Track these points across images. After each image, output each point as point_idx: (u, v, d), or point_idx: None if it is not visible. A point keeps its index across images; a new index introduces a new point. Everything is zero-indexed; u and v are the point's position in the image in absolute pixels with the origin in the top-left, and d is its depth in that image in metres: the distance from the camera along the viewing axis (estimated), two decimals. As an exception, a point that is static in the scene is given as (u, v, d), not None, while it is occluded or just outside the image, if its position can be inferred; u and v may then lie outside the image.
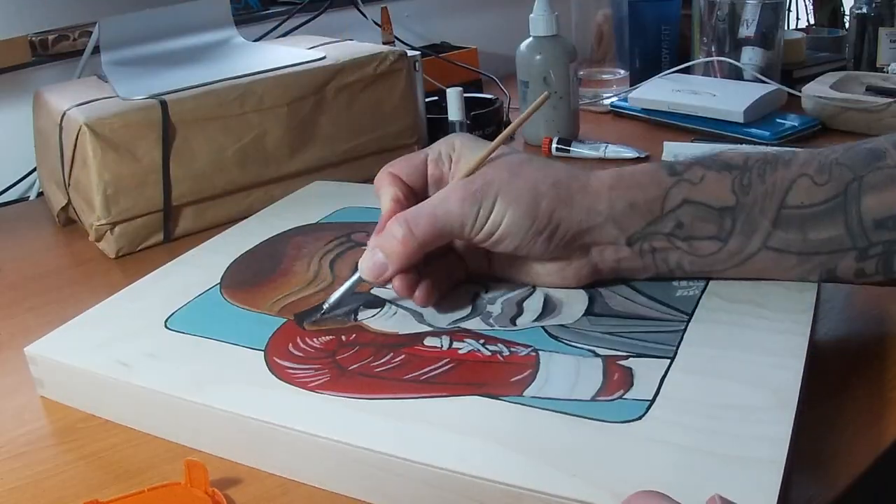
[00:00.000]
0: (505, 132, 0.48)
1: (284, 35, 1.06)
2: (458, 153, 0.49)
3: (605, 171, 0.46)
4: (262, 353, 0.45)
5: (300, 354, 0.44)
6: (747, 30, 0.94)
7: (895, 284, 0.45)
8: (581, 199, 0.45)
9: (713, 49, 0.97)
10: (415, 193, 0.49)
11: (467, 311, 0.47)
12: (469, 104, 0.87)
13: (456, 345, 0.44)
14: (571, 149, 0.84)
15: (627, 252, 0.46)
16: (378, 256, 0.45)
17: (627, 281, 0.48)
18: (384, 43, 1.09)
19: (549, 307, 0.47)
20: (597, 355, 0.42)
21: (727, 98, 0.87)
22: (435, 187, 0.49)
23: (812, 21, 1.39)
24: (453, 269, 0.50)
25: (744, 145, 0.79)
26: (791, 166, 0.44)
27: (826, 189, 0.43)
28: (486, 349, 0.43)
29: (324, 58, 0.79)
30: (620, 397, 0.38)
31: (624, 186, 0.45)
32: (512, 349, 0.43)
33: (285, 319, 0.48)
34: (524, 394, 0.39)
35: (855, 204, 0.43)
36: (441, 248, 0.47)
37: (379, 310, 0.48)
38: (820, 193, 0.43)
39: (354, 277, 0.48)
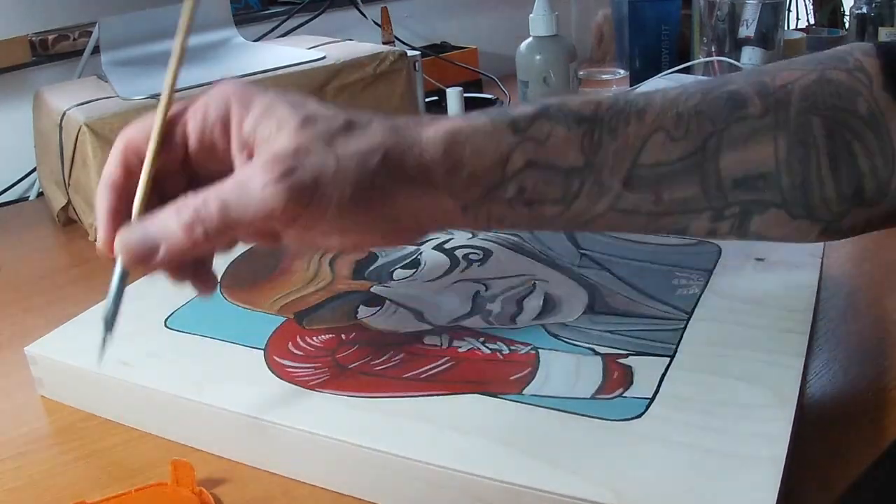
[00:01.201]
0: (175, 60, 0.39)
1: (284, 35, 1.06)
2: (239, 112, 0.37)
3: (438, 126, 0.37)
4: (262, 351, 0.45)
5: (300, 353, 0.44)
6: (747, 30, 0.94)
7: (747, 240, 0.42)
8: (415, 175, 0.37)
9: (713, 49, 0.97)
10: (157, 183, 0.38)
11: (467, 309, 0.47)
12: (469, 104, 0.87)
13: (456, 343, 0.44)
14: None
15: (461, 219, 0.39)
16: (145, 230, 0.36)
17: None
18: (384, 43, 1.09)
19: (549, 305, 0.47)
20: (596, 353, 0.42)
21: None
22: (205, 156, 0.38)
23: (812, 21, 1.39)
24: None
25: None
26: (645, 118, 0.39)
27: (682, 145, 0.38)
28: (486, 347, 0.43)
29: (324, 58, 0.79)
30: (620, 395, 0.38)
31: (459, 152, 0.37)
32: (512, 347, 0.43)
33: (285, 318, 0.48)
34: (524, 392, 0.39)
35: (713, 162, 0.38)
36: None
37: (379, 308, 0.48)
38: (676, 150, 0.38)
39: (115, 279, 0.39)
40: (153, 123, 0.38)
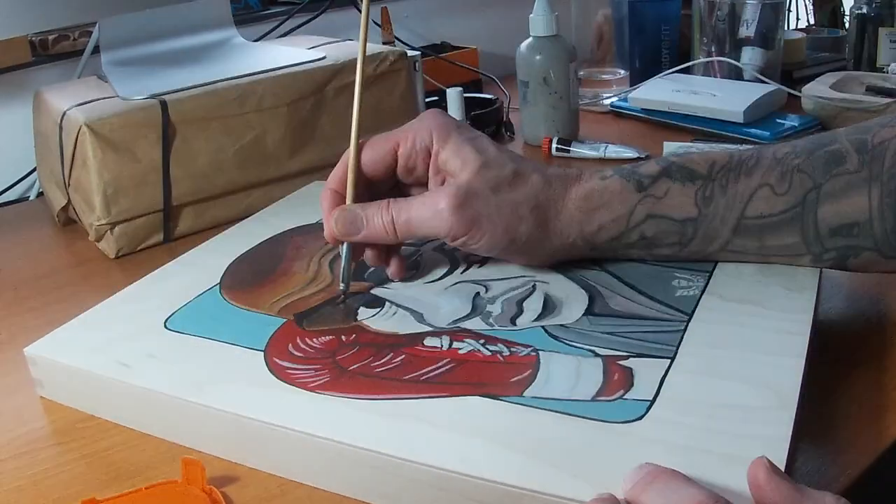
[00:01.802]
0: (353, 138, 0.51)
1: (284, 35, 1.06)
2: (438, 146, 0.49)
3: (579, 186, 0.48)
4: (262, 353, 0.45)
5: (300, 355, 0.44)
6: (747, 30, 0.94)
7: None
8: (555, 225, 0.48)
9: (713, 49, 0.97)
10: (372, 182, 0.51)
11: (467, 310, 0.47)
12: (469, 104, 0.87)
13: (456, 345, 0.44)
14: (571, 149, 0.84)
15: (589, 254, 0.50)
16: (357, 213, 0.49)
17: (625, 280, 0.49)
18: (384, 43, 1.09)
19: (549, 307, 0.47)
20: (597, 355, 0.42)
21: (727, 98, 0.87)
22: (406, 174, 0.51)
23: (812, 21, 1.39)
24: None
25: (743, 146, 0.79)
26: (753, 175, 0.46)
27: (785, 199, 0.45)
28: (487, 349, 0.43)
29: (324, 58, 0.79)
30: (621, 397, 0.38)
31: (593, 208, 0.48)
32: (512, 349, 0.43)
33: (285, 319, 0.48)
34: (524, 394, 0.39)
35: (812, 214, 0.45)
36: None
37: (379, 309, 0.48)
38: (779, 203, 0.45)
39: (344, 252, 0.50)
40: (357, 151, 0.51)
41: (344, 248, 0.50)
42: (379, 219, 0.48)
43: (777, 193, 0.45)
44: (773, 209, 0.45)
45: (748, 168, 0.46)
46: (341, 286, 0.50)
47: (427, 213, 0.47)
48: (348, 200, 0.50)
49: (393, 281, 0.52)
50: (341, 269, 0.50)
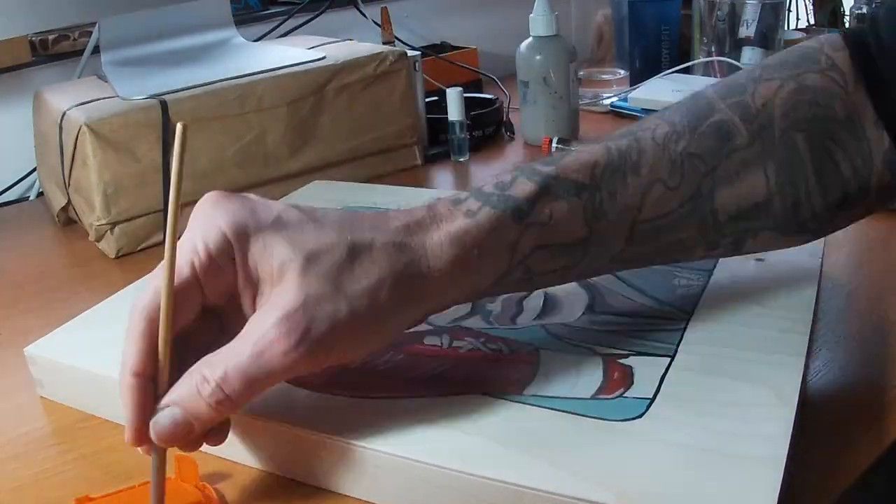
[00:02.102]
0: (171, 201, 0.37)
1: (284, 35, 1.06)
2: (239, 251, 0.36)
3: (440, 235, 0.37)
4: (262, 352, 0.45)
5: (300, 354, 0.44)
6: (747, 30, 0.94)
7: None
8: (423, 292, 0.37)
9: (713, 49, 0.97)
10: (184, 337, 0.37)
11: (468, 309, 0.47)
12: (469, 104, 0.87)
13: (456, 343, 0.44)
14: (571, 149, 0.84)
15: (473, 300, 0.43)
16: (177, 415, 0.35)
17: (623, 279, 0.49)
18: (384, 43, 1.09)
19: (549, 305, 0.47)
20: (597, 354, 0.42)
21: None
22: (219, 298, 0.37)
23: (812, 21, 1.39)
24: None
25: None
26: (640, 170, 0.40)
27: (678, 193, 0.40)
28: (487, 348, 0.43)
29: (324, 58, 0.79)
30: (621, 396, 0.38)
31: (465, 259, 0.38)
32: (512, 347, 0.43)
33: (285, 319, 0.48)
34: (525, 392, 0.39)
35: (709, 203, 0.40)
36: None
37: (379, 309, 0.48)
38: (674, 198, 0.40)
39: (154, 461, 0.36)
40: (161, 285, 0.36)
41: (154, 461, 0.36)
42: (205, 402, 0.34)
43: (670, 188, 0.40)
44: (669, 207, 0.40)
45: (633, 163, 0.40)
46: None
47: (263, 360, 0.34)
48: (161, 391, 0.36)
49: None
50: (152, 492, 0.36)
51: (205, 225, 0.37)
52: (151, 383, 0.36)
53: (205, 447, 0.40)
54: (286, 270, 0.35)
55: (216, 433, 0.37)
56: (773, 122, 0.40)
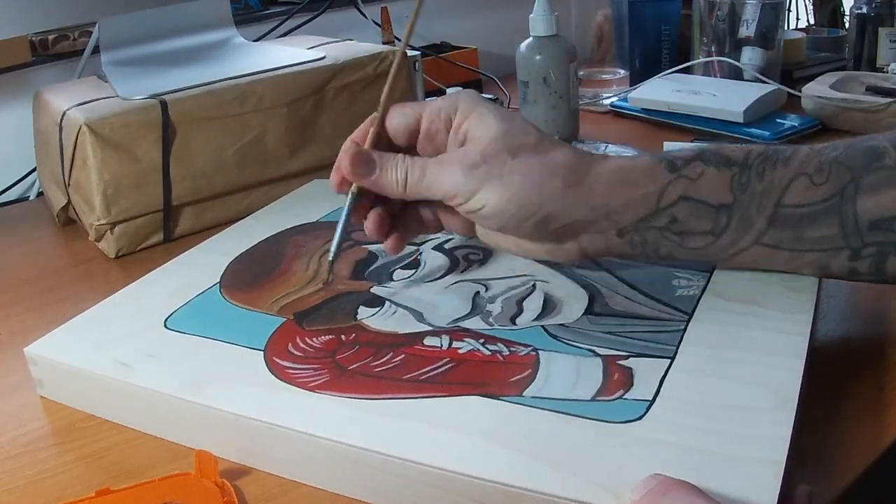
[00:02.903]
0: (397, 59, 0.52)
1: (284, 35, 1.06)
2: (461, 115, 0.46)
3: (607, 162, 0.45)
4: (262, 353, 0.45)
5: (299, 354, 0.44)
6: (747, 30, 0.94)
7: (887, 283, 0.45)
8: (575, 194, 0.44)
9: (713, 49, 0.97)
10: (392, 146, 0.48)
11: (467, 309, 0.47)
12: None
13: (456, 344, 0.44)
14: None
15: (617, 241, 0.46)
16: (372, 156, 0.46)
17: (617, 274, 0.49)
18: (384, 43, 1.09)
19: (549, 306, 0.47)
20: (597, 355, 0.42)
21: (727, 98, 0.87)
22: (427, 142, 0.48)
23: (812, 21, 1.39)
24: (425, 224, 0.50)
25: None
26: (790, 164, 0.44)
27: (823, 189, 0.43)
28: (486, 349, 0.43)
29: (324, 58, 0.79)
30: (620, 397, 0.38)
31: (621, 183, 0.44)
32: (512, 349, 0.43)
33: (285, 319, 0.48)
34: (524, 394, 0.39)
35: (851, 205, 0.43)
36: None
37: (379, 309, 0.48)
38: (817, 193, 0.43)
39: (347, 204, 0.48)
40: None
41: (344, 211, 0.48)
42: (392, 168, 0.46)
43: (815, 183, 0.44)
44: (811, 198, 0.43)
45: (785, 158, 0.45)
46: (330, 256, 0.49)
47: (439, 169, 0.45)
48: (368, 144, 0.48)
49: (391, 280, 0.52)
50: (335, 237, 0.48)
51: (450, 97, 0.47)
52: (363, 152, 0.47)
53: (204, 447, 0.41)
54: (488, 132, 0.45)
55: (395, 239, 0.49)
56: None
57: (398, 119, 0.48)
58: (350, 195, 0.48)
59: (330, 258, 0.49)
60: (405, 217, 0.50)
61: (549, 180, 0.44)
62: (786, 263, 0.46)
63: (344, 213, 0.48)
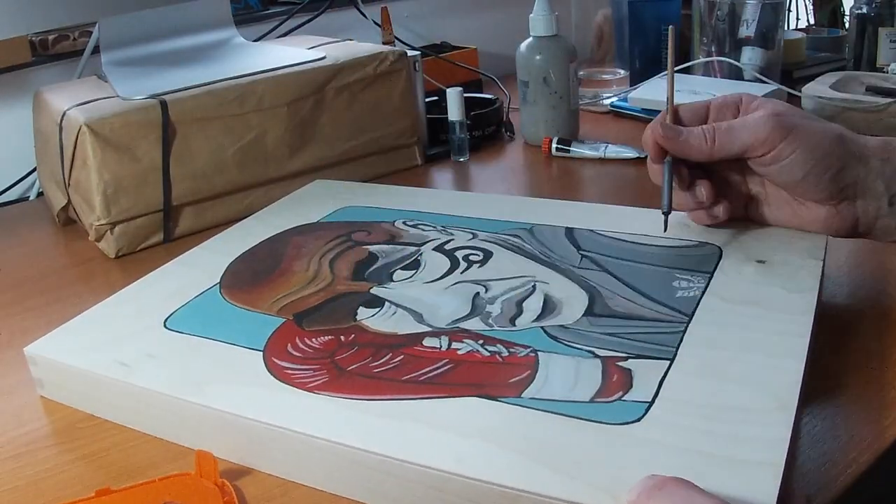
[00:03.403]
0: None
1: (284, 35, 1.06)
2: (746, 101, 0.54)
3: (872, 137, 0.51)
4: (261, 353, 0.45)
5: (299, 355, 0.44)
6: (747, 30, 0.94)
7: None
8: (858, 151, 0.50)
9: (713, 49, 0.97)
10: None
11: (466, 310, 0.47)
12: (469, 104, 0.87)
13: (455, 345, 0.44)
14: (571, 149, 0.84)
15: (887, 210, 0.50)
16: (677, 126, 0.53)
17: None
18: (384, 43, 1.09)
19: (548, 307, 0.47)
20: (596, 356, 0.42)
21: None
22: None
23: (812, 21, 1.39)
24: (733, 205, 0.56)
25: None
26: None
27: None
28: (486, 350, 0.43)
29: (324, 58, 0.79)
30: (620, 399, 0.38)
31: (892, 152, 0.50)
32: (511, 350, 0.43)
33: (284, 319, 0.48)
34: (523, 395, 0.39)
35: None
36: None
37: (378, 310, 0.48)
38: None
39: (666, 168, 0.54)
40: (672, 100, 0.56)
41: (666, 168, 0.53)
42: (699, 129, 0.52)
43: None
44: None
45: None
46: (664, 207, 0.54)
47: (746, 121, 0.51)
48: (668, 119, 0.54)
49: (391, 281, 0.52)
50: (662, 191, 0.54)
51: (729, 94, 0.55)
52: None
53: (203, 447, 0.41)
54: (777, 104, 0.52)
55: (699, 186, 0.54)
56: None
57: (689, 107, 0.55)
58: (666, 164, 0.54)
59: (664, 210, 0.54)
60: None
61: (839, 139, 0.50)
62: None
63: (665, 178, 0.54)
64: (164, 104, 0.68)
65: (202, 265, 0.57)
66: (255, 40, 0.97)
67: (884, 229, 0.51)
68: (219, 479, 0.39)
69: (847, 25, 1.11)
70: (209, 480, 0.39)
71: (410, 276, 0.52)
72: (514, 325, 0.46)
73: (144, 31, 0.80)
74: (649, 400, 0.38)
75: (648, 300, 0.47)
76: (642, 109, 0.94)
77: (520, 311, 0.47)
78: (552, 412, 0.38)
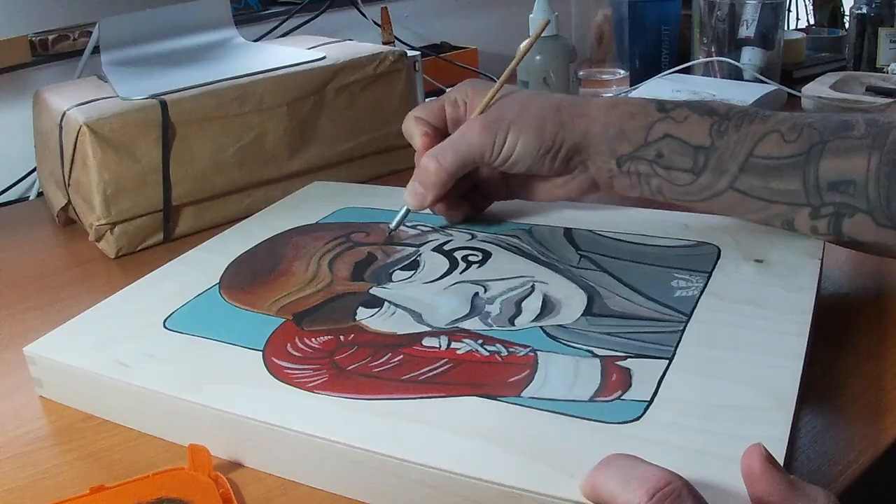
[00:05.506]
0: (508, 69, 0.58)
1: (284, 35, 1.06)
2: (471, 97, 0.57)
3: (603, 98, 0.54)
4: (261, 353, 0.45)
5: (298, 355, 0.44)
6: (747, 30, 0.94)
7: (849, 246, 0.50)
8: (579, 123, 0.53)
9: (713, 49, 0.97)
10: (439, 132, 0.58)
11: (466, 310, 0.48)
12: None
13: (454, 345, 0.44)
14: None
15: (617, 171, 0.53)
16: (417, 188, 0.56)
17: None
18: (384, 43, 1.09)
19: (547, 307, 0.47)
20: (595, 356, 0.42)
21: (727, 98, 0.86)
22: (454, 127, 0.57)
23: (812, 21, 1.39)
24: (479, 200, 0.60)
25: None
26: (767, 122, 0.50)
27: (792, 146, 0.49)
28: (485, 349, 0.43)
29: (324, 58, 0.79)
30: (619, 398, 0.38)
31: (616, 115, 0.53)
32: (510, 349, 0.43)
33: (284, 319, 0.48)
34: (522, 394, 0.39)
35: (814, 164, 0.48)
36: (466, 182, 0.58)
37: (378, 310, 0.48)
38: (786, 149, 0.49)
39: (402, 209, 0.57)
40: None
41: (401, 211, 0.58)
42: (427, 172, 0.55)
43: (786, 140, 0.49)
44: (781, 153, 0.48)
45: (763, 116, 0.50)
46: (391, 227, 0.58)
47: (458, 134, 0.54)
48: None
49: (391, 281, 0.52)
50: (396, 219, 0.58)
51: (459, 87, 0.58)
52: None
53: (210, 449, 0.41)
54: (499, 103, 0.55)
55: (454, 209, 0.59)
56: (890, 131, 0.47)
57: (425, 112, 0.58)
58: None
59: (390, 228, 0.58)
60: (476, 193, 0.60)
61: (557, 113, 0.53)
62: (757, 212, 0.51)
63: (401, 213, 0.58)
64: (164, 104, 0.68)
65: (202, 265, 0.57)
66: (255, 40, 0.97)
67: (622, 187, 0.54)
68: (213, 472, 0.39)
69: (847, 25, 1.11)
70: (203, 474, 0.39)
71: (409, 277, 0.52)
72: (514, 324, 0.46)
73: (144, 31, 0.80)
74: (648, 399, 0.38)
75: (647, 300, 0.47)
76: (642, 109, 0.94)
77: (519, 311, 0.47)
78: (551, 411, 0.38)
